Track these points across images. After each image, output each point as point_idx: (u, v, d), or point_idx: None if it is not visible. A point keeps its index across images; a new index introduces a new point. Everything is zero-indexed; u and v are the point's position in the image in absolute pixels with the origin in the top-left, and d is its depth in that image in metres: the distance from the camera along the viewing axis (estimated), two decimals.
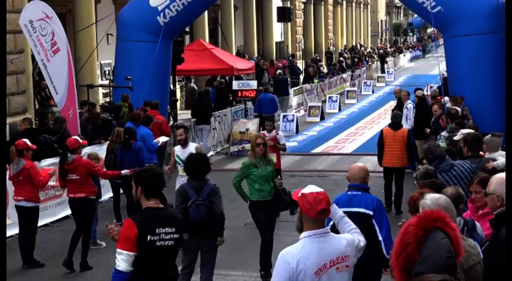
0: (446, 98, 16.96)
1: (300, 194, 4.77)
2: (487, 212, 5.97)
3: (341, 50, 50.29)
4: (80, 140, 11.05)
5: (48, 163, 12.85)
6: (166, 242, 5.85)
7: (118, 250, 5.73)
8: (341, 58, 44.52)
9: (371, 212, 7.10)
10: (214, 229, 8.27)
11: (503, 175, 5.07)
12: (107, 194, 14.30)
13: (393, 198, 13.69)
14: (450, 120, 13.23)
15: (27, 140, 10.94)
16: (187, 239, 8.06)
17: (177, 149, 11.61)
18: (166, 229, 5.85)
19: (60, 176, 10.65)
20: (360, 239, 5.00)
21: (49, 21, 14.37)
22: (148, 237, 5.77)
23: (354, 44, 57.00)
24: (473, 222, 5.73)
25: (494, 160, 8.56)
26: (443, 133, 12.59)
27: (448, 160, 8.34)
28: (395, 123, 13.87)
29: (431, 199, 4.84)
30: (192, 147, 11.47)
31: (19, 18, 15.17)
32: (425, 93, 20.77)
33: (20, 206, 10.70)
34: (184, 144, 11.52)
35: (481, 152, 9.05)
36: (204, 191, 8.15)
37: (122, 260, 5.71)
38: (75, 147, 10.66)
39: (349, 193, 7.26)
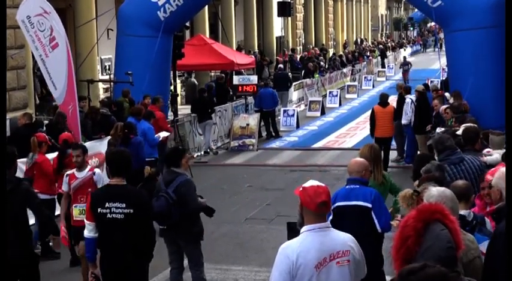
0: (447, 94, 16.93)
1: (300, 188, 4.80)
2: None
3: (359, 39, 51.02)
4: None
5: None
6: (117, 215, 6.76)
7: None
8: (341, 53, 44.51)
9: (369, 205, 7.09)
10: (184, 224, 8.10)
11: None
12: None
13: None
14: (453, 113, 13.25)
15: (46, 136, 11.11)
16: (162, 230, 8.14)
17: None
18: (117, 203, 6.75)
19: (57, 171, 10.68)
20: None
21: (47, 17, 14.32)
22: (99, 209, 6.80)
23: (355, 38, 57.05)
24: (483, 217, 5.73)
25: (489, 154, 8.54)
26: (438, 130, 12.65)
27: (459, 153, 8.15)
28: (383, 102, 16.79)
29: (437, 190, 4.87)
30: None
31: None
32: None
33: None
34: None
35: (488, 150, 8.97)
36: (173, 184, 8.03)
37: (86, 229, 6.98)
38: (72, 142, 10.73)
39: (347, 187, 7.28)
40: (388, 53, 54.44)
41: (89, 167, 9.28)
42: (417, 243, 3.72)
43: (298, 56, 38.87)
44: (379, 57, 50.73)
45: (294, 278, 4.69)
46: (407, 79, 37.87)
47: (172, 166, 8.20)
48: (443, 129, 12.69)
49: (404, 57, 44.39)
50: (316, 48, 43.47)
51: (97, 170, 9.26)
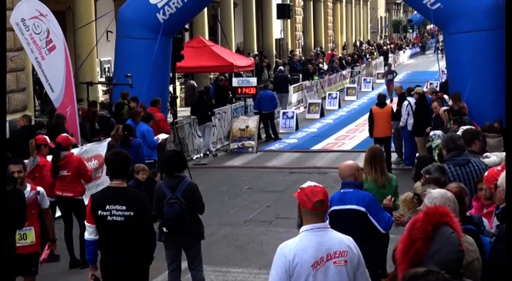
0: (446, 97, 16.95)
1: (298, 190, 4.82)
2: (491, 211, 5.99)
3: (359, 41, 51.48)
4: (71, 138, 11.14)
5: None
6: (117, 218, 6.78)
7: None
8: (340, 55, 44.48)
9: (363, 209, 7.09)
10: (193, 227, 8.14)
11: None
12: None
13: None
14: (451, 115, 13.25)
15: (47, 137, 11.06)
16: (167, 234, 8.12)
17: None
18: (117, 206, 6.77)
19: (52, 174, 10.67)
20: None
21: (43, 19, 14.28)
22: (99, 212, 6.80)
23: (354, 41, 57.05)
24: (481, 218, 5.73)
25: (487, 157, 8.53)
26: (437, 132, 12.62)
27: (466, 154, 8.07)
28: (381, 102, 17.15)
29: (439, 192, 4.87)
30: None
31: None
32: (425, 89, 20.79)
33: None
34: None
35: (487, 154, 8.95)
36: (179, 189, 8.01)
37: (86, 231, 7.01)
38: (67, 144, 10.72)
39: (342, 190, 7.28)
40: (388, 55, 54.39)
41: (29, 186, 8.27)
42: (426, 246, 3.66)
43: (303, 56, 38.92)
44: (378, 60, 50.68)
45: (291, 277, 4.72)
46: (392, 90, 30.32)
47: (176, 171, 8.18)
48: (440, 131, 12.69)
49: (390, 65, 38.13)
50: (317, 48, 43.47)
51: (41, 189, 8.35)
